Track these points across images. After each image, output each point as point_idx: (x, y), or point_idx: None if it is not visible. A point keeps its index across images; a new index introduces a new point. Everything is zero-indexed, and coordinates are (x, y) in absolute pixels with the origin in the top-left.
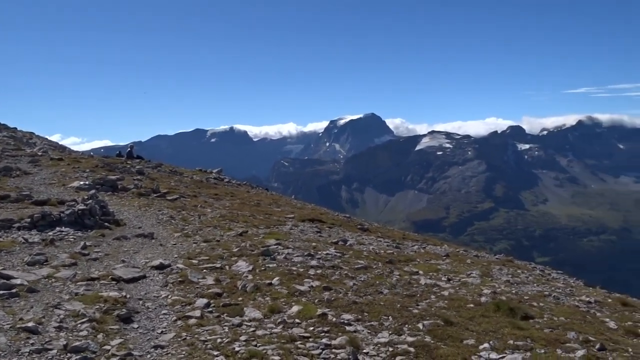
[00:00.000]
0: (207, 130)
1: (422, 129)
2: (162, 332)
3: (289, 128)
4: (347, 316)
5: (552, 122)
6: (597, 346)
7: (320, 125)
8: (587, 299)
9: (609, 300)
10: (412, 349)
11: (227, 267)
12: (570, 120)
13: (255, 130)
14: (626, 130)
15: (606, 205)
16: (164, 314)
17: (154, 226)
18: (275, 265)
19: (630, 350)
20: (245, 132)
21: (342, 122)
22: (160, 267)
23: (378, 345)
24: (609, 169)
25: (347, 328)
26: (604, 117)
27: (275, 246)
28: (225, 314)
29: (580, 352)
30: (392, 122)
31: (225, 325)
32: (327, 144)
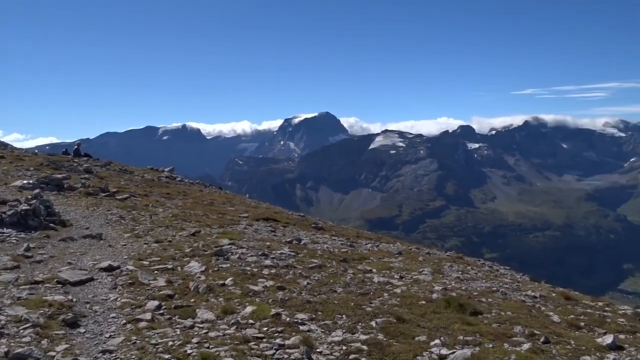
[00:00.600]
0: (159, 128)
1: (376, 128)
2: (110, 336)
3: (244, 126)
4: (301, 315)
5: (500, 122)
6: (542, 339)
7: (274, 124)
8: (533, 293)
9: (553, 294)
10: (365, 347)
11: (179, 268)
12: (517, 120)
13: (208, 128)
14: (569, 130)
15: (550, 203)
16: (113, 317)
17: (103, 226)
18: (228, 265)
19: (572, 342)
20: (198, 130)
21: (296, 120)
22: (109, 269)
23: (332, 344)
24: (554, 168)
25: (301, 327)
26: (548, 117)
27: (229, 246)
28: (177, 316)
29: (526, 346)
30: (346, 121)
31: (177, 328)
32: (282, 142)
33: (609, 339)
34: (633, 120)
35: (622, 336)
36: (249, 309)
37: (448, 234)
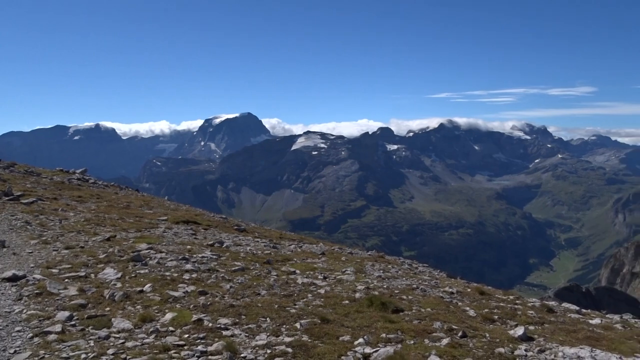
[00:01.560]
0: (70, 127)
1: (298, 129)
2: (15, 351)
3: (162, 126)
4: (224, 320)
5: (417, 124)
6: (460, 334)
7: (194, 124)
8: (450, 289)
9: (469, 290)
10: (290, 350)
11: (92, 275)
12: (433, 123)
13: (124, 128)
14: (481, 133)
15: (464, 202)
16: (18, 331)
17: (6, 233)
18: (147, 271)
19: (487, 335)
20: (113, 130)
21: (217, 120)
22: (14, 279)
23: (256, 348)
24: (466, 168)
25: (224, 333)
26: (462, 120)
27: (147, 250)
28: (91, 327)
29: (445, 341)
30: (268, 122)
31: (91, 339)
32: (202, 143)
33: (520, 330)
34: (537, 124)
35: (531, 327)
36: (169, 315)
37: (368, 233)
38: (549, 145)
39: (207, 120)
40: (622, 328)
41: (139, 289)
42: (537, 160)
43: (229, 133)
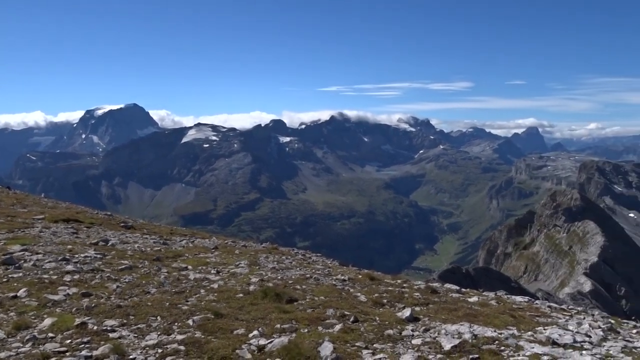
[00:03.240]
0: None
1: (188, 121)
2: None
3: (36, 117)
4: (110, 322)
5: (309, 117)
6: (352, 319)
7: (74, 115)
8: (342, 277)
9: (360, 276)
10: (182, 347)
11: None
12: (324, 115)
13: None
14: (370, 125)
15: (355, 192)
16: None
17: None
18: (21, 274)
19: (377, 319)
20: None
21: (100, 112)
22: None
23: (146, 348)
24: (357, 159)
25: (111, 335)
26: (352, 113)
27: (21, 252)
28: None
29: (338, 327)
30: (156, 114)
31: None
32: (83, 136)
33: (407, 312)
34: (421, 116)
35: (417, 308)
36: (48, 321)
37: (263, 225)
38: (431, 137)
39: (88, 112)
40: (496, 304)
41: (12, 294)
42: (421, 151)
43: (113, 125)
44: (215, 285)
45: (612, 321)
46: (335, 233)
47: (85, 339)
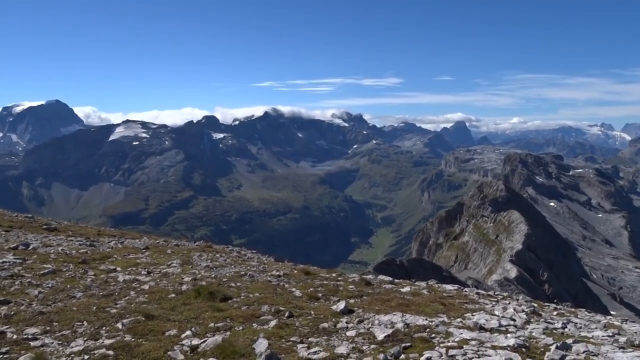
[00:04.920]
0: None
1: (116, 118)
2: None
3: None
4: (31, 330)
5: (242, 112)
6: (287, 314)
7: None
8: (277, 273)
9: (295, 271)
10: (111, 352)
11: None
12: (258, 111)
13: None
14: (304, 120)
15: (290, 188)
16: None
17: None
18: None
19: (312, 313)
20: None
21: (19, 109)
22: None
23: (72, 356)
24: (291, 155)
25: (32, 343)
26: (285, 109)
27: None
28: None
29: (272, 323)
30: (81, 111)
31: None
32: (1, 134)
33: (341, 305)
34: (354, 112)
35: (352, 300)
36: None
37: (197, 224)
38: (364, 132)
39: (5, 109)
40: (428, 293)
41: None
42: (355, 146)
43: (34, 123)
44: (146, 287)
45: (535, 305)
46: (271, 229)
47: (3, 349)
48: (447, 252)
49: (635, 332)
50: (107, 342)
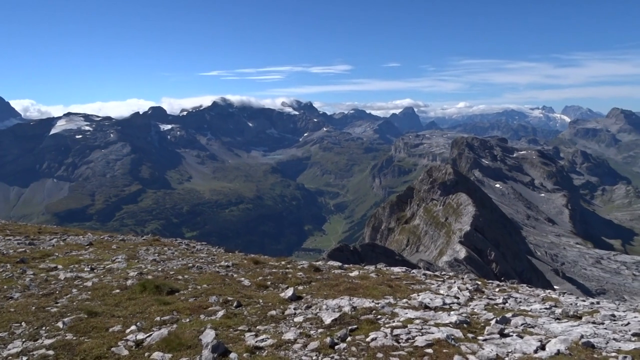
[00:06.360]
0: None
1: (57, 111)
2: None
3: None
4: None
5: (190, 103)
6: (235, 304)
7: None
8: (226, 263)
9: (245, 261)
10: (51, 352)
11: None
12: (206, 101)
13: None
14: (254, 110)
15: (242, 178)
16: None
17: None
18: None
19: (261, 301)
20: None
21: None
22: None
23: (9, 358)
24: (242, 145)
25: None
26: (234, 98)
27: None
28: None
29: (220, 313)
30: (19, 104)
31: None
32: None
33: (290, 292)
34: (304, 100)
35: (300, 287)
36: None
37: (147, 218)
38: (315, 120)
39: None
40: (376, 276)
41: None
42: (306, 134)
43: None
44: (89, 283)
45: (479, 282)
46: (224, 220)
47: None
48: (399, 236)
49: (571, 304)
50: (47, 342)
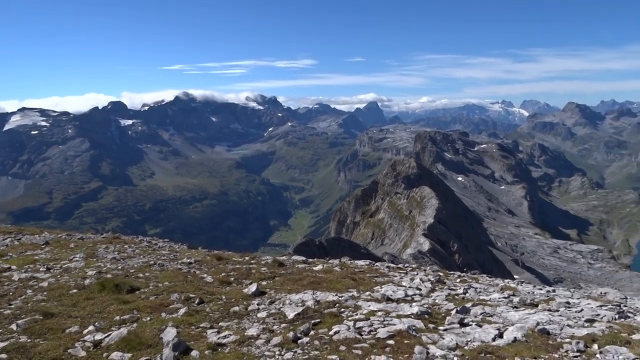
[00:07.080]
0: None
1: (11, 105)
2: None
3: None
4: None
5: (151, 97)
6: (197, 301)
7: None
8: (189, 260)
9: (208, 257)
10: (4, 355)
11: None
12: (168, 95)
13: None
14: (217, 104)
15: (206, 173)
16: None
17: None
18: None
19: (224, 297)
20: None
21: None
22: None
23: None
24: (206, 140)
25: None
26: (197, 92)
27: None
28: None
29: (182, 310)
30: None
31: None
32: None
33: (253, 287)
34: (268, 94)
35: (264, 282)
36: None
37: (108, 215)
38: (279, 115)
39: None
40: (340, 269)
41: None
42: (270, 129)
43: None
44: (45, 284)
45: (441, 274)
46: (188, 217)
47: None
48: (364, 229)
49: (528, 293)
50: (0, 345)
